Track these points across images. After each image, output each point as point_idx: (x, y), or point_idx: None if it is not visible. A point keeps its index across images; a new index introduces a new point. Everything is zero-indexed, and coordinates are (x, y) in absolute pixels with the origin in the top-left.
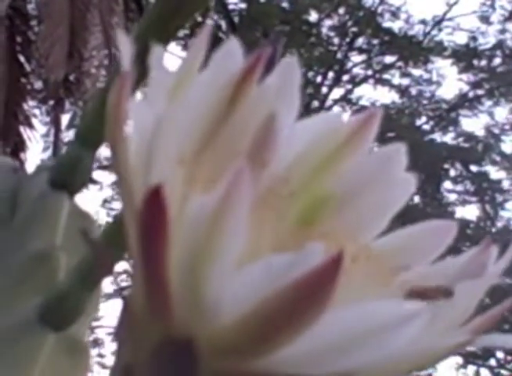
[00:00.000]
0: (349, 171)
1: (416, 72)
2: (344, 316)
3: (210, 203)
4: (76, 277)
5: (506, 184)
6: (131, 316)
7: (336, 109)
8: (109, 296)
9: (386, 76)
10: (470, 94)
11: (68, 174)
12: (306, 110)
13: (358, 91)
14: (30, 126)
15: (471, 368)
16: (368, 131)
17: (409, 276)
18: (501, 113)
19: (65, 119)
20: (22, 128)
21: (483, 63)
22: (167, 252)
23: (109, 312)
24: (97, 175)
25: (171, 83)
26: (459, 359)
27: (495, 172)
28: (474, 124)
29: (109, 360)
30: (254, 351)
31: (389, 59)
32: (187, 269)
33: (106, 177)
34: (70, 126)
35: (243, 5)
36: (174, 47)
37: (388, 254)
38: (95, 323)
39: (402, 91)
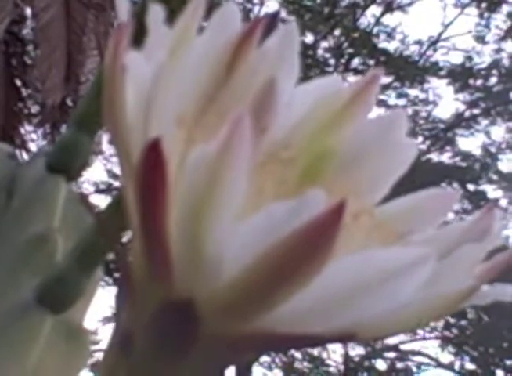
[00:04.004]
0: (351, 133)
1: (413, 92)
2: (347, 264)
3: (210, 151)
4: (73, 260)
5: (503, 203)
6: (131, 281)
7: None
8: (107, 319)
9: (382, 96)
10: (467, 113)
11: (65, 158)
12: None
13: None
14: (27, 150)
15: None
16: (369, 93)
17: (412, 239)
18: (498, 132)
19: None
20: (19, 152)
21: (479, 82)
22: (167, 208)
23: (108, 335)
24: (94, 198)
25: (169, 41)
26: None
27: (492, 191)
28: (470, 143)
29: None
30: (256, 308)
31: (385, 79)
32: (187, 226)
33: (103, 201)
34: None
35: None
36: None
37: (392, 219)
38: (94, 347)
39: None
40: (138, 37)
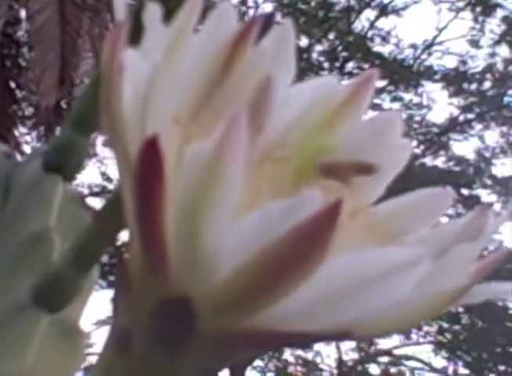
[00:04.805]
0: (346, 133)
1: (407, 96)
2: (343, 263)
3: (206, 148)
4: (70, 259)
5: (497, 207)
6: (128, 278)
7: None
8: (102, 322)
9: (376, 100)
10: (461, 118)
11: (62, 157)
12: None
13: None
14: (21, 152)
15: None
16: (364, 94)
17: (407, 238)
18: (491, 136)
19: None
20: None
21: (473, 86)
22: (164, 205)
23: (102, 339)
24: (88, 201)
25: (165, 40)
26: None
27: (486, 196)
28: (464, 147)
29: None
30: (252, 306)
31: (379, 83)
32: (184, 223)
33: (97, 203)
34: None
35: None
36: None
37: (387, 218)
38: (87, 350)
39: None
40: (136, 34)
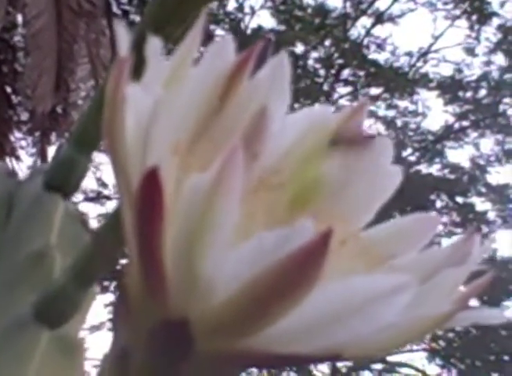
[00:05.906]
0: (338, 160)
1: (402, 104)
2: (333, 289)
3: (205, 180)
4: (71, 276)
5: (491, 215)
6: (127, 300)
7: None
8: (95, 328)
9: (372, 108)
10: (456, 125)
11: (63, 176)
12: None
13: None
14: (17, 157)
15: None
16: (356, 122)
17: (396, 263)
18: (486, 144)
19: (51, 151)
20: (8, 160)
21: (468, 94)
22: (163, 231)
23: (95, 344)
24: (83, 206)
25: (166, 73)
26: None
27: (480, 203)
28: (459, 155)
29: None
30: (246, 329)
31: (375, 90)
32: (182, 248)
33: (92, 209)
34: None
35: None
36: None
37: (377, 243)
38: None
39: (388, 122)
40: (137, 64)
